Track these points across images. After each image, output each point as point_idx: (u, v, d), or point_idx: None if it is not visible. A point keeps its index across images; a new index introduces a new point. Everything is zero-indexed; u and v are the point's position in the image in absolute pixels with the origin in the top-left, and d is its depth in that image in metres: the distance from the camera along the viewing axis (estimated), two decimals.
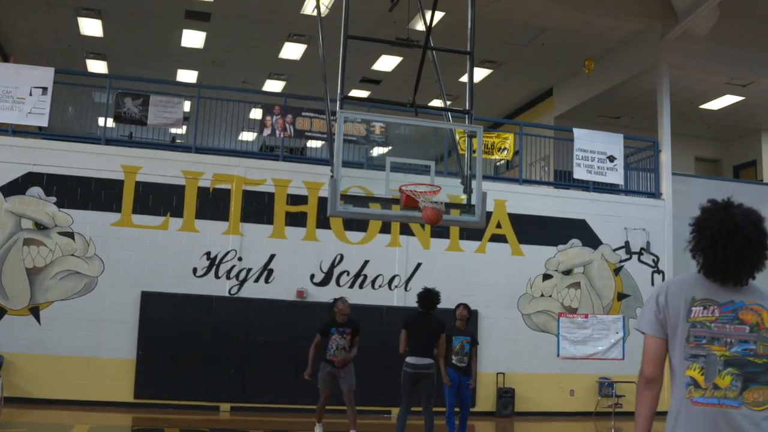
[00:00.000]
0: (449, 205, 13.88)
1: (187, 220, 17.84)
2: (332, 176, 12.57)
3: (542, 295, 19.78)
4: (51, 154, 17.77)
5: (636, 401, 3.91)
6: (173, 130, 21.95)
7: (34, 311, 17.04)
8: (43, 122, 17.90)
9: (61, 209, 17.45)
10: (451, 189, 14.10)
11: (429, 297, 12.62)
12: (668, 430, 3.86)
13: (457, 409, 13.06)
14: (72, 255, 17.34)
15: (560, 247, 20.01)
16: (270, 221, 18.15)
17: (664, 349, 3.86)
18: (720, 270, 3.79)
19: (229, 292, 17.78)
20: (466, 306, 13.37)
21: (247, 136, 21.40)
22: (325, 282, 18.18)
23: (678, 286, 3.90)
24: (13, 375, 16.54)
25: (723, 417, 3.67)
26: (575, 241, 20.14)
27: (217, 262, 17.80)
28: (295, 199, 18.32)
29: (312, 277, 18.12)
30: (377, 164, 19.55)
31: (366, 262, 18.43)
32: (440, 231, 18.65)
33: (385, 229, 18.59)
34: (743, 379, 3.69)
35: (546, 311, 19.74)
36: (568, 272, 20.04)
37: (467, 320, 13.30)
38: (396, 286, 18.60)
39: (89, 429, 13.68)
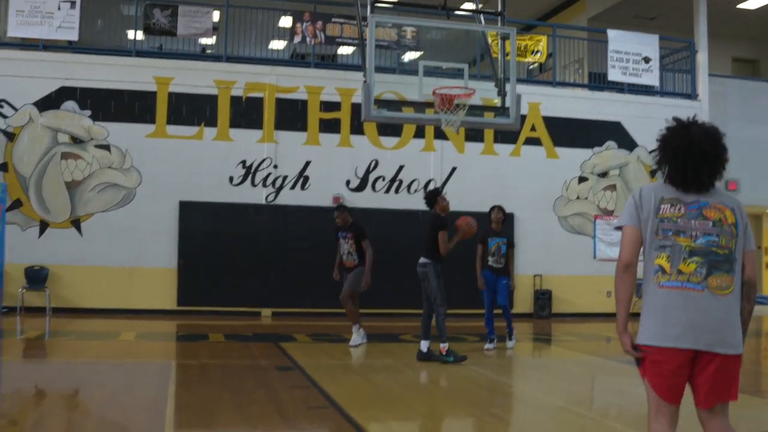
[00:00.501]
0: (483, 108, 13.85)
1: (222, 130, 17.88)
2: (365, 81, 12.52)
3: (578, 198, 19.74)
4: (83, 67, 17.80)
5: (615, 286, 4.28)
6: (203, 41, 21.80)
7: (75, 224, 17.28)
8: (73, 36, 17.87)
9: (96, 122, 17.54)
10: (484, 92, 14.04)
11: (426, 196, 12.10)
12: (641, 318, 4.28)
13: (499, 311, 13.08)
14: (109, 167, 17.48)
15: (595, 149, 19.90)
16: (304, 128, 18.15)
17: (639, 237, 4.23)
18: (680, 180, 4.20)
19: (266, 199, 17.90)
20: (500, 208, 13.22)
21: (278, 44, 21.21)
22: (360, 187, 18.23)
23: (650, 188, 4.30)
24: (58, 286, 16.86)
25: (685, 298, 4.06)
26: (610, 144, 20.00)
27: (252, 171, 17.89)
28: (329, 106, 18.28)
29: (347, 183, 18.17)
30: (409, 69, 19.38)
31: (401, 167, 18.44)
32: (475, 135, 18.58)
33: (420, 133, 18.54)
34: (707, 267, 4.06)
35: (582, 213, 19.73)
36: (603, 174, 19.96)
37: (502, 222, 13.16)
38: None
39: (135, 335, 13.92)
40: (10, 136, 17.29)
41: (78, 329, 14.75)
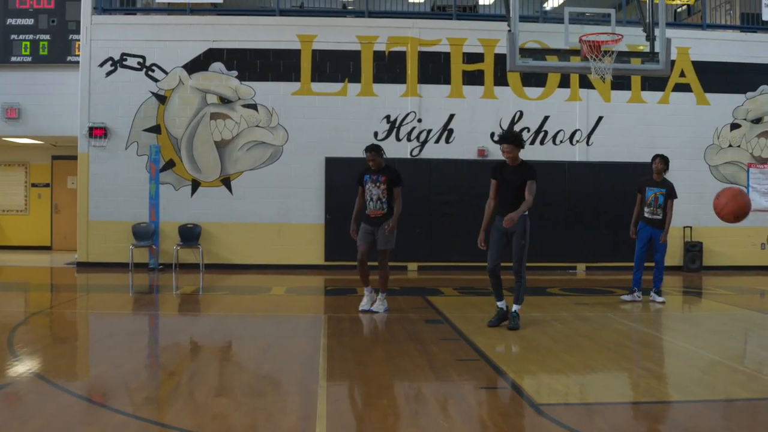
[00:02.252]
0: (630, 54, 13.48)
1: (365, 85, 17.97)
2: (509, 31, 12.34)
3: (730, 146, 19.03)
4: (229, 29, 18.20)
5: None
6: None
7: (226, 182, 17.75)
8: None
9: (242, 82, 17.92)
10: (631, 38, 13.67)
11: (515, 136, 10.34)
12: None
13: (651, 264, 12.84)
14: (257, 126, 17.85)
15: (749, 94, 19.09)
16: (447, 81, 18.06)
17: None
18: None
19: (411, 153, 17.95)
20: (662, 158, 12.74)
21: None
22: None
23: None
24: (211, 243, 17.40)
25: None
26: (765, 88, 19.15)
27: (397, 125, 17.95)
28: (471, 57, 18.13)
29: (492, 135, 18.00)
30: (552, 17, 19.03)
31: (546, 118, 18.16)
32: (621, 83, 18.10)
33: (564, 83, 18.20)
34: None
35: (734, 162, 19.03)
36: (757, 121, 19.16)
37: (663, 172, 12.74)
38: (577, 141, 18.29)
39: (285, 290, 14.26)
40: (162, 99, 17.86)
41: (230, 284, 15.21)
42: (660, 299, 12.68)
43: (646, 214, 12.59)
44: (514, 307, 10.02)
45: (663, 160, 12.66)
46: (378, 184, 11.08)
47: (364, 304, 11.42)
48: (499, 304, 10.18)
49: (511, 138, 10.01)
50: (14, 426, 5.58)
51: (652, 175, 12.65)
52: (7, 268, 18.38)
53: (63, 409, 6.16)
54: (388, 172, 11.21)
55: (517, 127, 18.01)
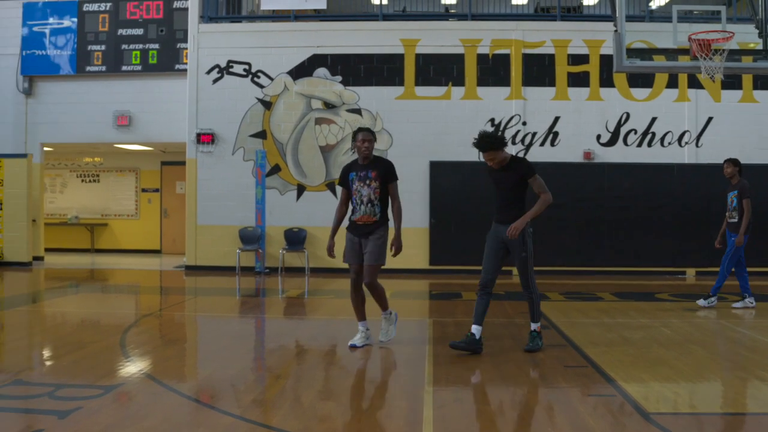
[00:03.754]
0: (741, 52, 13.08)
1: (469, 88, 17.89)
2: (616, 30, 12.09)
3: None
4: (332, 35, 18.35)
5: None
6: (445, 0, 21.92)
7: (330, 186, 17.88)
8: (321, 5, 18.44)
9: (346, 87, 18.05)
10: (742, 36, 13.25)
11: (496, 138, 8.78)
12: None
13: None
14: None
15: None
16: (552, 83, 17.85)
17: None
18: None
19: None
20: (728, 161, 12.41)
21: None
22: (611, 142, 17.75)
23: None
24: (316, 247, 17.55)
25: None
26: None
27: (501, 128, 17.82)
28: (576, 59, 17.88)
29: (598, 137, 17.73)
30: (658, 16, 18.65)
31: (653, 119, 17.78)
32: (731, 82, 17.61)
33: (672, 83, 17.79)
34: None
35: None
36: None
37: (734, 175, 12.33)
38: (686, 143, 17.86)
39: (390, 294, 14.22)
40: (267, 105, 18.11)
41: (335, 288, 15.28)
42: (704, 303, 12.30)
43: (727, 218, 12.30)
44: (532, 326, 8.81)
45: (730, 163, 12.33)
46: (368, 181, 8.70)
47: (355, 339, 8.93)
48: (473, 328, 8.48)
49: (487, 145, 8.39)
50: (127, 425, 5.69)
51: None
52: (119, 271, 18.88)
53: (173, 410, 6.26)
54: (380, 164, 8.81)
55: (624, 129, 17.69)
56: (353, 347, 8.74)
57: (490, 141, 8.38)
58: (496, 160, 8.44)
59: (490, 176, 8.71)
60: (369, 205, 8.65)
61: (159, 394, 6.71)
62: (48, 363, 8.41)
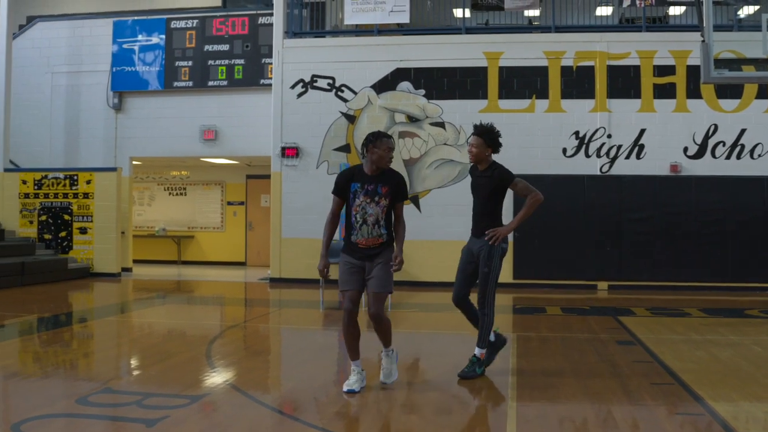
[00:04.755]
0: None
1: (553, 101, 17.76)
2: (703, 41, 11.90)
3: None
4: (415, 48, 18.41)
5: None
6: (529, 12, 21.81)
7: (414, 200, 17.89)
8: (404, 19, 18.49)
9: (430, 101, 18.07)
10: None
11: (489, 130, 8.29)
12: None
13: None
14: (444, 144, 17.95)
15: None
16: (637, 95, 17.60)
17: None
18: None
19: (600, 170, 17.57)
20: None
21: (605, 10, 20.78)
22: (699, 154, 17.41)
23: None
24: None
25: None
26: None
27: (586, 141, 17.63)
28: (662, 70, 17.59)
29: (685, 150, 17.42)
30: (747, 25, 18.26)
31: (743, 131, 17.38)
32: None
33: (762, 93, 17.38)
34: None
35: None
36: None
37: None
38: None
39: None
40: (351, 119, 18.24)
41: (418, 301, 15.30)
42: None
43: None
44: (476, 351, 7.91)
45: None
46: (377, 197, 7.25)
47: (351, 383, 7.30)
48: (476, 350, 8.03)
49: (481, 130, 7.97)
50: None
51: None
52: (205, 283, 19.16)
53: (257, 420, 6.33)
54: (392, 179, 7.34)
55: (711, 141, 17.34)
56: (351, 392, 7.17)
57: (487, 129, 8.01)
58: (476, 151, 7.90)
59: (471, 182, 8.24)
60: (375, 226, 7.27)
61: (243, 404, 6.79)
62: (136, 372, 8.58)
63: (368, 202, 7.21)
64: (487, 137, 7.94)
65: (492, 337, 8.06)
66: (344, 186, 7.34)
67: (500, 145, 8.13)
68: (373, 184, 7.22)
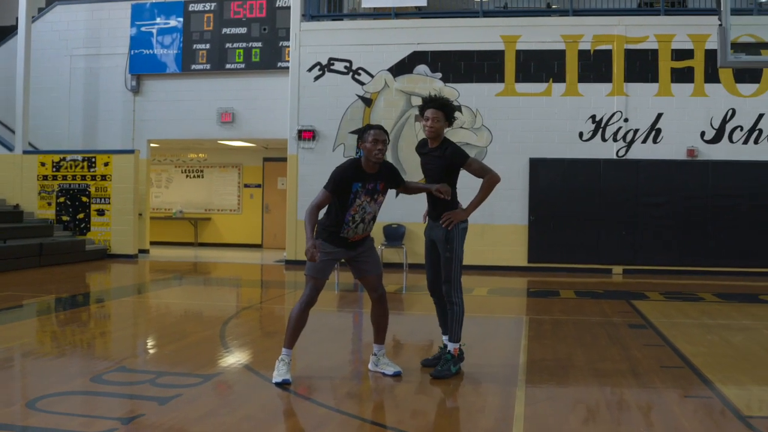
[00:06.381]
0: None
1: (570, 85, 17.72)
2: (721, 25, 11.85)
3: None
4: (433, 31, 18.39)
5: None
6: None
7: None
8: (422, 2, 18.52)
9: (447, 84, 18.06)
10: None
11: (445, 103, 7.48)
12: None
13: None
14: (461, 127, 17.92)
15: None
16: (655, 79, 17.53)
17: None
18: None
19: (617, 154, 17.53)
20: None
21: None
22: (716, 139, 17.33)
23: None
24: (415, 243, 17.58)
25: None
26: None
27: (602, 125, 17.58)
28: (680, 54, 17.52)
29: (702, 134, 17.35)
30: (767, 9, 18.14)
31: (761, 116, 17.27)
32: None
33: None
34: None
35: None
36: None
37: None
38: None
39: (488, 291, 14.25)
40: (368, 102, 18.26)
41: None
42: None
43: None
44: (449, 346, 7.32)
45: None
46: (376, 195, 7.10)
47: (284, 373, 6.83)
48: (443, 338, 7.65)
49: (442, 102, 7.20)
50: (224, 413, 5.85)
51: None
52: (221, 265, 19.27)
53: (269, 399, 6.40)
54: (384, 172, 7.16)
55: (729, 126, 17.26)
56: (287, 383, 6.72)
57: (446, 102, 7.21)
58: (438, 126, 7.10)
59: (421, 161, 7.57)
60: (371, 223, 7.17)
61: (256, 384, 6.86)
62: (151, 351, 8.68)
63: (368, 201, 7.03)
64: (448, 110, 7.21)
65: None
66: (345, 186, 6.98)
67: (456, 119, 7.55)
68: (372, 182, 7.02)
